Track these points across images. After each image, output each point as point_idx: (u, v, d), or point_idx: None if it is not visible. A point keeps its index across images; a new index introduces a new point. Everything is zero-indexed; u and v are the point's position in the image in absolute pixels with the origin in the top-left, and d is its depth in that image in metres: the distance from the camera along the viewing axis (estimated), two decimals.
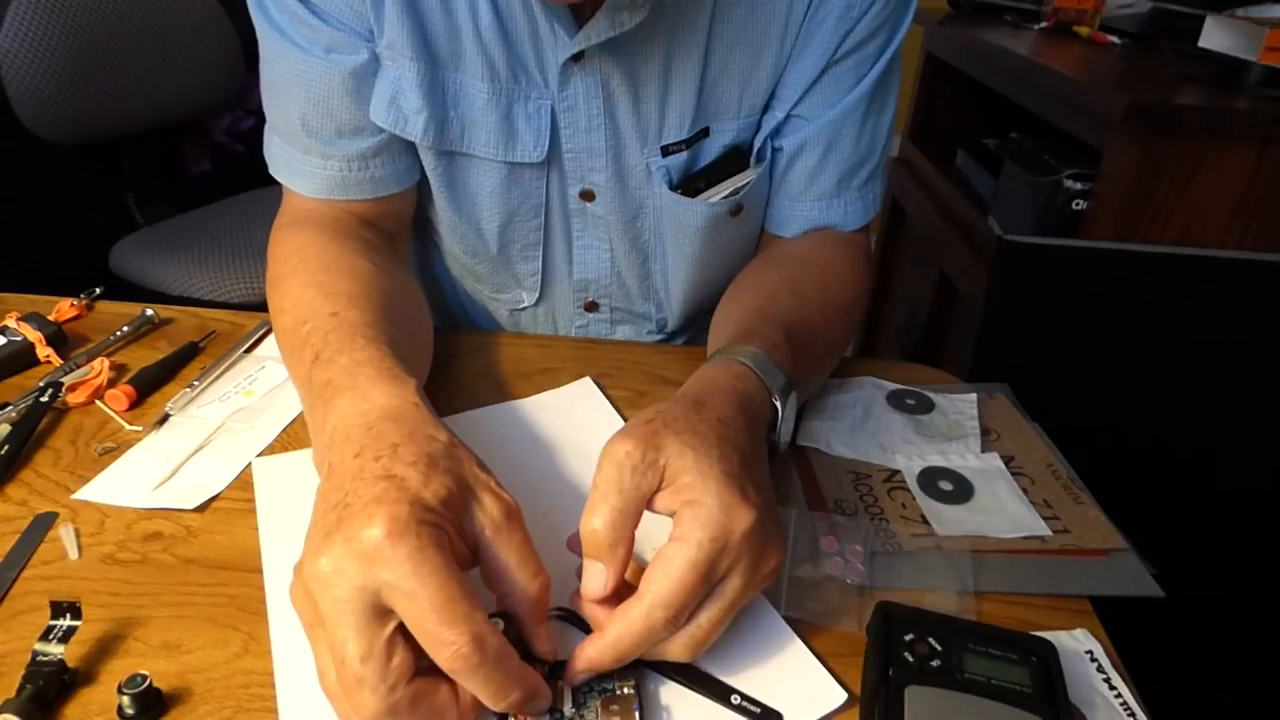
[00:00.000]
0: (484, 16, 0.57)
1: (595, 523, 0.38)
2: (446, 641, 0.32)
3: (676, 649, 0.38)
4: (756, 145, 0.65)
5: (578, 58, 0.58)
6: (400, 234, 0.69)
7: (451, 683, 0.34)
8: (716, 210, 0.65)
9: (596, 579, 0.38)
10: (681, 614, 0.36)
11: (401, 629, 0.33)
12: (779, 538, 0.41)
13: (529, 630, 0.37)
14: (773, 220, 0.69)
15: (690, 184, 0.65)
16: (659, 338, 0.80)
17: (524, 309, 0.77)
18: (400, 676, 0.33)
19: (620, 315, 0.77)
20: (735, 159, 0.65)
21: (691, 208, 0.65)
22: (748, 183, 0.64)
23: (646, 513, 0.39)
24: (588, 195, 0.66)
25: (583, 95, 0.60)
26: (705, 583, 0.37)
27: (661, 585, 0.36)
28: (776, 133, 0.64)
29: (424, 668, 0.34)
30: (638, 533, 0.39)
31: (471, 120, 0.61)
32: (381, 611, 0.33)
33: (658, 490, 0.39)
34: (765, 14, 0.59)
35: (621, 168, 0.64)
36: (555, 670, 0.38)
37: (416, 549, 0.33)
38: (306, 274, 0.54)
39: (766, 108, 0.64)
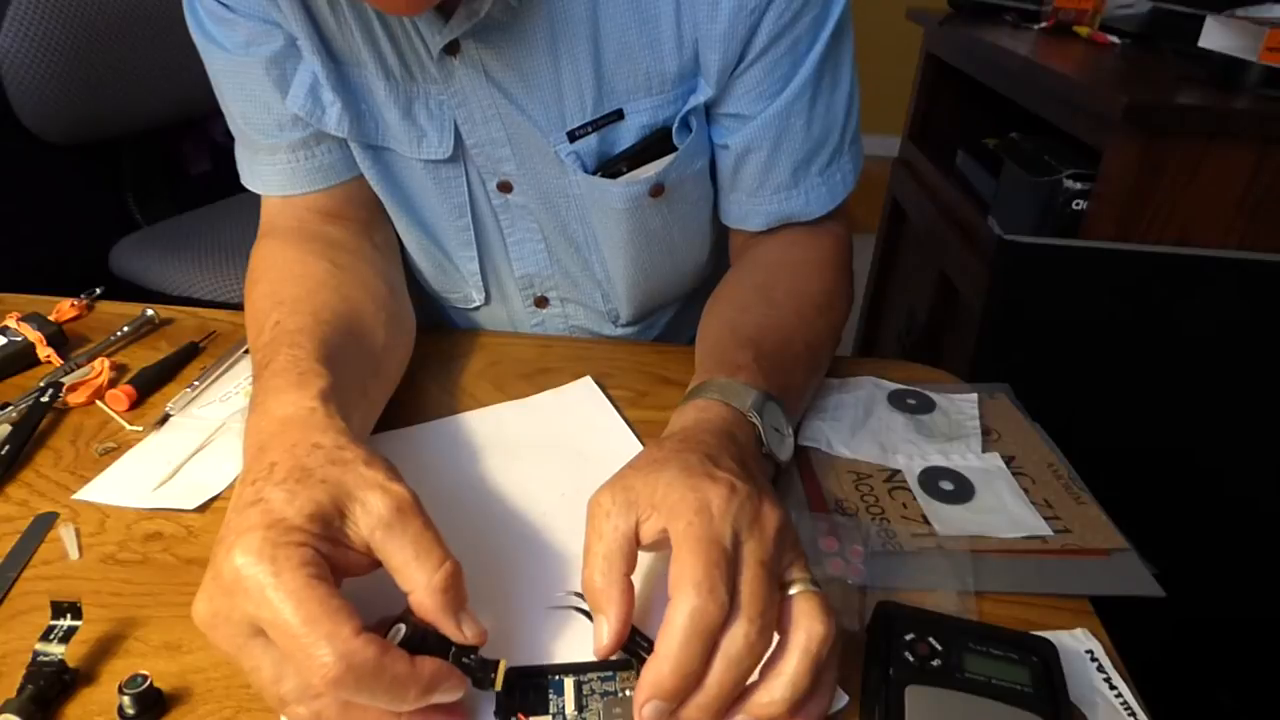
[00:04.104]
0: (369, 11, 0.56)
1: (586, 575, 0.37)
2: (314, 666, 0.31)
3: (737, 635, 0.34)
4: (676, 125, 0.61)
5: (453, 51, 0.57)
6: (373, 220, 0.67)
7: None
8: (634, 190, 0.62)
9: (600, 630, 0.36)
10: (717, 587, 0.34)
11: None
12: (771, 496, 0.39)
13: (441, 622, 0.35)
14: (731, 216, 0.67)
15: (612, 167, 0.62)
16: (619, 332, 0.77)
17: (476, 309, 0.76)
18: (319, 691, 0.33)
19: (573, 309, 0.75)
20: (663, 141, 0.62)
21: (608, 190, 0.62)
22: (666, 165, 0.62)
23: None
24: (505, 187, 0.65)
25: (469, 87, 0.59)
26: (721, 551, 0.35)
27: (684, 571, 0.34)
28: (718, 129, 0.62)
29: None
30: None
31: (383, 116, 0.61)
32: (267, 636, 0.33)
33: (640, 526, 0.38)
34: None
35: (529, 156, 0.62)
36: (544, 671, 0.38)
37: (270, 573, 0.32)
38: (266, 283, 0.55)
39: (691, 88, 0.60)
